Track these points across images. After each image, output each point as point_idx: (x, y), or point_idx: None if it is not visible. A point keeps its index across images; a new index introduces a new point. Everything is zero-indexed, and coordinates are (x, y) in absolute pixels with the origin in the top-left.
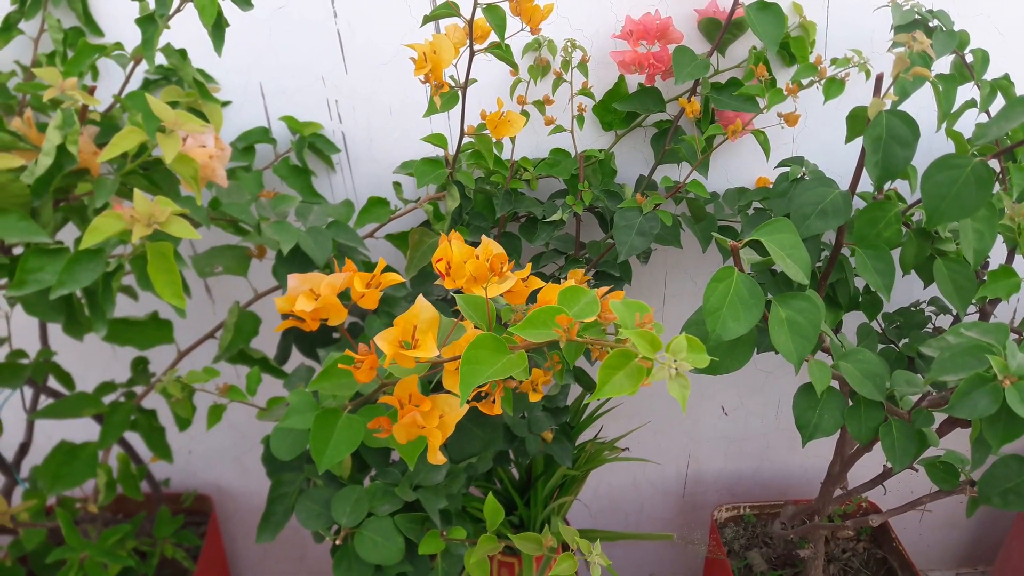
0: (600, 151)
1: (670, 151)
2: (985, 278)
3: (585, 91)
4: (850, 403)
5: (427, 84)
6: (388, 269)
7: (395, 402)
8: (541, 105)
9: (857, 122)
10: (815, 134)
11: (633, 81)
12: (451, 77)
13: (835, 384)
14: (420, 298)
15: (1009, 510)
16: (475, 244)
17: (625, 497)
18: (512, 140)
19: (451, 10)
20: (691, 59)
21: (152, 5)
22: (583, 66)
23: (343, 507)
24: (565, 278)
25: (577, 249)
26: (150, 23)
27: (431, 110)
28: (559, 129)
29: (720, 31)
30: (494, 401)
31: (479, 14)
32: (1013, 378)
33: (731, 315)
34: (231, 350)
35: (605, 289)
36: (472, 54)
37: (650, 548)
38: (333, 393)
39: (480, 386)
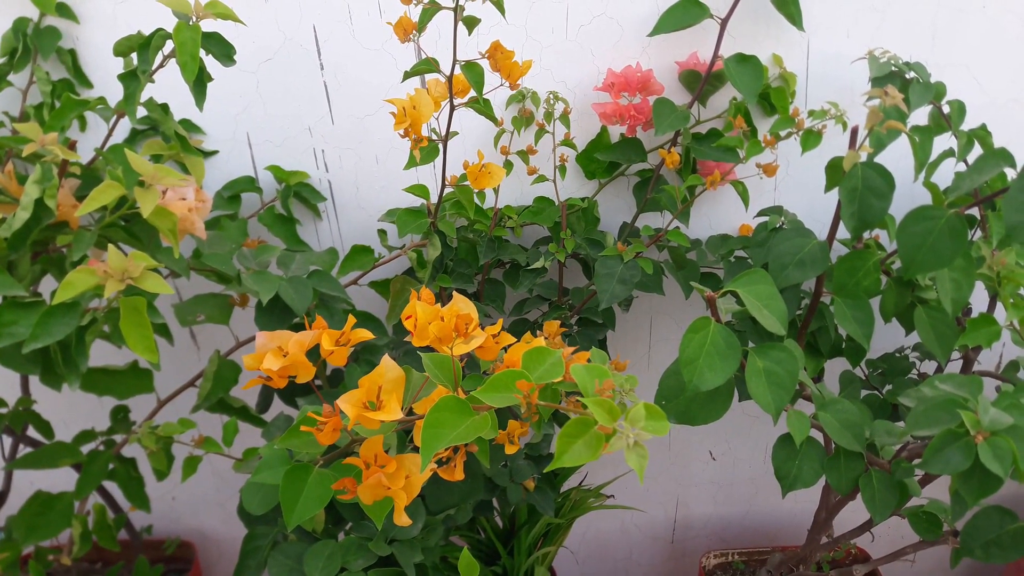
0: (583, 199)
1: (651, 200)
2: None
3: (567, 142)
4: (830, 453)
5: (407, 138)
6: (368, 318)
7: (360, 463)
8: (525, 155)
9: (835, 172)
10: (798, 182)
11: (616, 131)
12: (432, 130)
13: (818, 434)
14: (385, 358)
15: (991, 563)
16: (460, 290)
17: (613, 543)
18: (495, 189)
19: (431, 66)
20: (671, 110)
21: (135, 61)
22: (565, 118)
23: (316, 562)
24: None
25: (560, 296)
26: (132, 79)
27: (411, 163)
28: (542, 179)
29: (700, 83)
30: (455, 466)
31: (458, 70)
32: (986, 433)
33: (708, 365)
34: (210, 399)
35: (571, 350)
36: (452, 108)
37: None
38: (303, 449)
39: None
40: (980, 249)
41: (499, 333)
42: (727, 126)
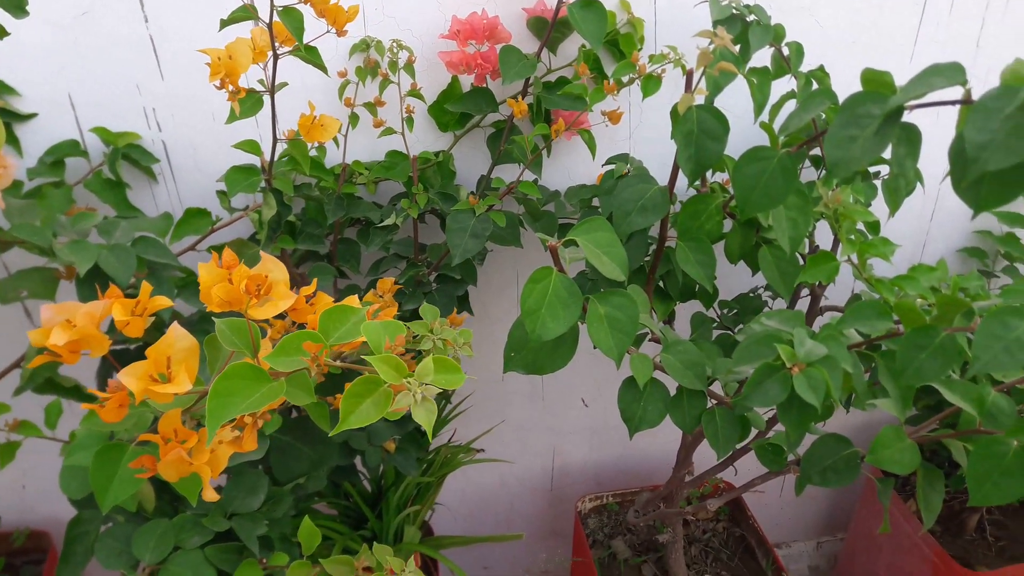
0: (437, 153)
1: (506, 151)
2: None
3: (414, 92)
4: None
5: (223, 90)
6: None
7: (159, 439)
8: (372, 107)
9: (676, 116)
10: (652, 129)
11: (467, 81)
12: (260, 81)
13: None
14: (175, 326)
15: (828, 487)
16: (311, 252)
17: (493, 496)
18: (336, 142)
19: (248, 13)
20: (518, 59)
21: None
22: (410, 67)
23: (146, 543)
24: (401, 283)
25: (416, 253)
26: None
27: (231, 117)
28: (389, 131)
29: (547, 30)
30: (244, 437)
31: (277, 17)
32: (802, 365)
33: (550, 315)
34: (35, 379)
35: (375, 307)
36: (276, 58)
37: (523, 544)
38: (122, 428)
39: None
40: (816, 188)
41: (314, 294)
42: (576, 74)
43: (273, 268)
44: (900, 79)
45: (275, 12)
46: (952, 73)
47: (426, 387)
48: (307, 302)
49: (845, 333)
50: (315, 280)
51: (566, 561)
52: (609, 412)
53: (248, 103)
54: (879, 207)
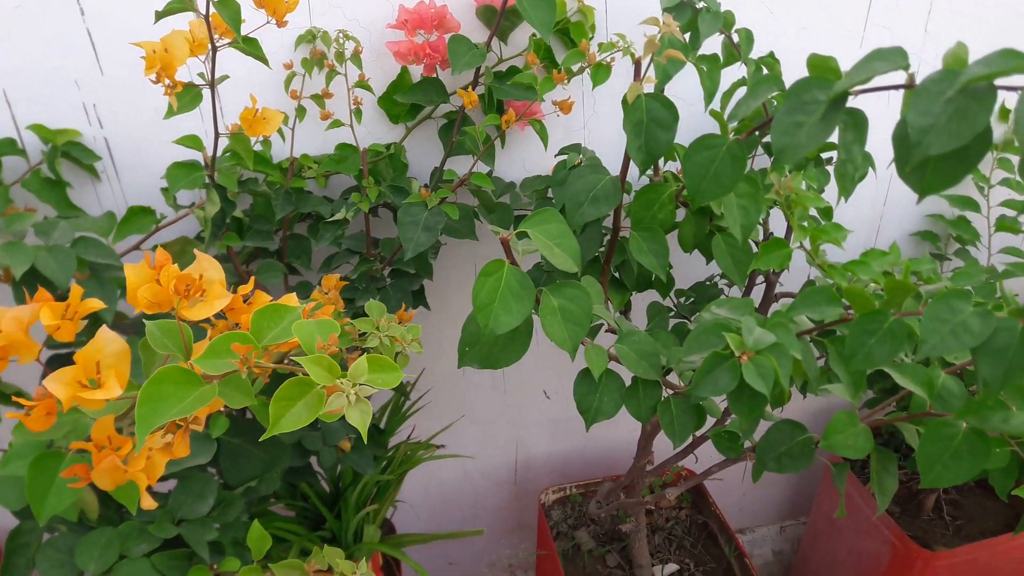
0: (388, 145)
1: (459, 143)
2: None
3: (362, 84)
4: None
5: (159, 84)
6: None
7: (92, 447)
8: (320, 99)
9: (628, 106)
10: (605, 118)
11: (418, 72)
12: (200, 74)
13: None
14: (103, 330)
15: (784, 473)
16: (261, 249)
17: (457, 492)
18: (282, 135)
19: (185, 5)
20: (468, 48)
21: None
22: (356, 58)
23: (89, 553)
24: (353, 279)
25: (369, 247)
26: None
27: (169, 112)
28: (337, 124)
29: (496, 18)
30: (174, 443)
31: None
32: (750, 353)
33: (503, 308)
34: None
35: (312, 305)
36: (214, 50)
37: (488, 538)
38: (59, 436)
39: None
40: (768, 175)
41: (252, 293)
42: (527, 64)
43: (208, 267)
44: (850, 64)
45: (211, 3)
46: (895, 57)
47: (360, 387)
48: (245, 301)
49: (796, 320)
50: (252, 279)
51: (531, 554)
52: (571, 403)
53: (186, 97)
54: (833, 193)
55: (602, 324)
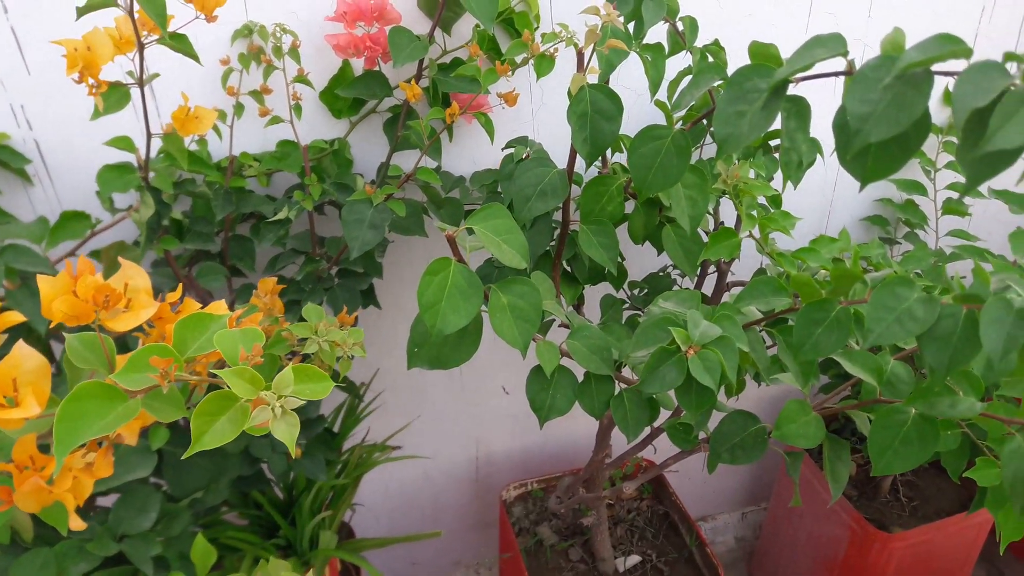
0: (331, 141)
1: (404, 137)
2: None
3: (301, 78)
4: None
5: (83, 83)
6: None
7: (12, 468)
8: (259, 95)
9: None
10: (553, 110)
11: (360, 65)
12: (129, 73)
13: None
14: (19, 345)
15: (738, 464)
16: (202, 251)
17: (417, 491)
18: (218, 133)
19: (108, 0)
20: (410, 40)
21: None
22: (295, 52)
23: (24, 575)
24: (299, 280)
25: (314, 247)
26: None
27: (95, 113)
28: (276, 120)
29: (438, 9)
30: (94, 462)
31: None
32: (697, 347)
33: (451, 308)
34: None
35: (239, 312)
36: (141, 47)
37: (451, 537)
38: None
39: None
40: (715, 165)
41: (180, 300)
42: (471, 55)
43: (134, 275)
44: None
45: None
46: (834, 44)
47: (286, 399)
48: (173, 309)
49: (744, 311)
50: (180, 285)
51: (494, 551)
52: None
53: (112, 97)
54: (782, 179)
55: (554, 319)
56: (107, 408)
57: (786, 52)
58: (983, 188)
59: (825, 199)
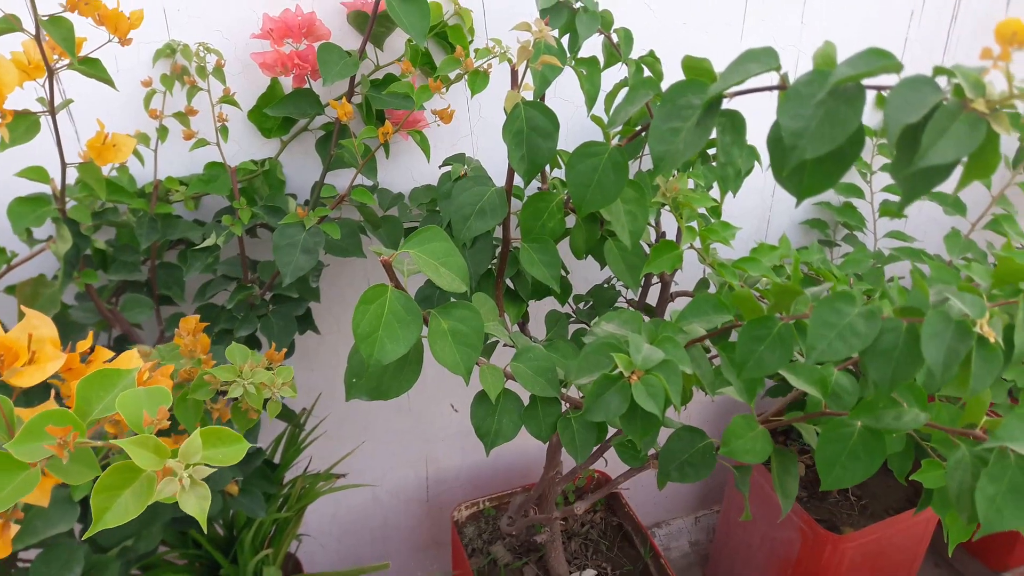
0: (260, 162)
1: (338, 156)
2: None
3: (227, 98)
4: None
5: None
6: None
7: None
8: (184, 117)
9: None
10: (492, 126)
11: (290, 83)
12: (40, 99)
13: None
14: None
15: (686, 482)
16: (128, 281)
17: (366, 515)
18: (140, 159)
19: (12, 25)
20: (340, 57)
21: None
22: (219, 71)
23: None
24: (231, 308)
25: (246, 273)
26: None
27: (1, 145)
28: (202, 143)
29: (368, 25)
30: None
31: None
32: (640, 372)
33: (388, 336)
34: None
35: (149, 366)
36: (51, 73)
37: (404, 559)
38: None
39: None
40: (654, 178)
41: (91, 349)
42: (403, 71)
43: (39, 325)
44: (731, 59)
45: (40, 24)
46: (767, 58)
47: (196, 468)
48: (83, 360)
49: (686, 329)
50: (91, 333)
51: (448, 573)
52: None
53: (20, 127)
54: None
55: (498, 340)
56: (6, 478)
57: (722, 60)
58: None
59: (764, 204)
